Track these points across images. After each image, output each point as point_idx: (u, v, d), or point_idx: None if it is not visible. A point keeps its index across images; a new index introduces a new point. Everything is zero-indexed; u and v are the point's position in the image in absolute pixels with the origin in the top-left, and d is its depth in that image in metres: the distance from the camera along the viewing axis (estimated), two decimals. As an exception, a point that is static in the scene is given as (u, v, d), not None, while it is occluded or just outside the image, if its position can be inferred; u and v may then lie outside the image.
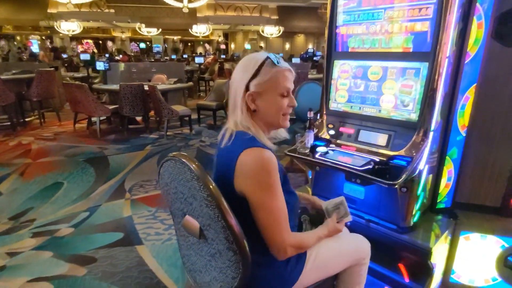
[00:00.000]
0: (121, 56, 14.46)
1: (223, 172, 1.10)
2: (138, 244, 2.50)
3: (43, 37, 20.22)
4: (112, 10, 15.58)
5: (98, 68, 6.68)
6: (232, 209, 1.06)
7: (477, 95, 1.79)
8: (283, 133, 1.33)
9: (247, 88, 1.14)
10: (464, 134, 1.84)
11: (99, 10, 16.02)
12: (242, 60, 1.19)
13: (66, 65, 12.54)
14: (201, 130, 6.04)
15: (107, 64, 6.57)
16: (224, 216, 0.91)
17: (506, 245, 1.82)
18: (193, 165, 0.94)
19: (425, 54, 1.61)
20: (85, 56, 9.97)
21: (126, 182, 3.70)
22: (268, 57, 1.14)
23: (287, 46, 22.63)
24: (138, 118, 6.46)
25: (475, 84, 1.78)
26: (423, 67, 1.63)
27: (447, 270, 1.96)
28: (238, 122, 1.15)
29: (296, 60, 10.83)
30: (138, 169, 4.11)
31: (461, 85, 1.75)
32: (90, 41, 23.23)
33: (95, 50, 21.92)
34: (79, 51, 18.40)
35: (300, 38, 22.58)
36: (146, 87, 5.53)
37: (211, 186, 0.92)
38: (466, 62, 1.72)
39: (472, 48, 1.72)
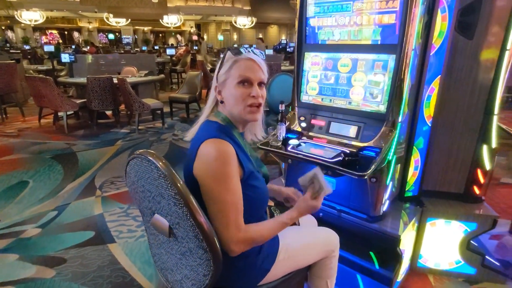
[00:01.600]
0: (88, 47, 13.87)
1: (188, 159, 1.11)
2: (110, 243, 2.43)
3: (3, 27, 19.05)
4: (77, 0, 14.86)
5: (63, 60, 6.36)
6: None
7: (441, 87, 1.85)
8: (258, 134, 1.34)
9: (217, 81, 1.20)
10: (429, 125, 1.90)
11: (63, -1, 15.25)
12: None
13: (29, 57, 11.90)
14: (174, 124, 5.93)
15: (73, 56, 6.28)
16: (193, 214, 0.89)
17: (469, 230, 1.91)
18: (160, 163, 0.91)
19: (393, 46, 1.64)
20: (49, 48, 9.47)
21: (97, 179, 3.57)
22: (228, 48, 1.18)
23: (261, 37, 22.52)
24: (108, 112, 6.25)
25: (439, 76, 1.83)
26: (391, 59, 1.66)
27: (415, 255, 2.04)
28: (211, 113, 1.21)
29: (269, 52, 10.79)
30: (109, 165, 3.98)
31: (427, 77, 1.80)
32: (54, 31, 22.16)
33: (61, 41, 20.94)
34: (43, 42, 17.51)
35: (273, 29, 22.54)
36: (115, 80, 5.34)
37: (179, 184, 0.89)
38: (431, 54, 1.77)
39: (437, 40, 1.77)
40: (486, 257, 1.98)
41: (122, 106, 5.82)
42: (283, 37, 20.81)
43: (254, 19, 18.51)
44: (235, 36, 22.06)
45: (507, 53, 1.72)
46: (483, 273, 1.98)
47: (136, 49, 17.35)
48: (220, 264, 0.96)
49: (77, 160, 4.13)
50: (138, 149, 4.11)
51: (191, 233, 0.93)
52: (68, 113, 5.49)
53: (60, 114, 5.46)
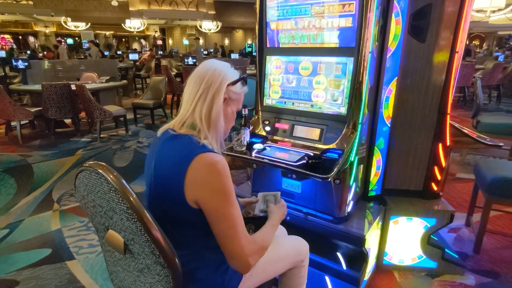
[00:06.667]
0: (45, 53, 13.15)
1: (167, 181, 1.02)
2: (69, 260, 2.28)
3: None
4: (30, 2, 14.08)
5: (18, 66, 5.96)
6: (181, 221, 1.03)
7: (398, 88, 1.91)
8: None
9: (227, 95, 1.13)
10: (389, 125, 1.96)
11: (14, 2, 14.39)
12: (221, 64, 1.13)
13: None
14: (138, 131, 5.74)
15: (26, 62, 5.92)
16: (147, 229, 0.84)
17: (428, 225, 1.98)
18: (110, 176, 0.86)
19: (350, 49, 1.67)
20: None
21: (54, 191, 3.37)
22: (244, 76, 1.18)
23: (226, 41, 22.50)
24: (67, 121, 5.94)
25: (396, 77, 1.89)
26: (349, 62, 1.69)
27: (380, 253, 2.09)
28: (203, 116, 1.06)
29: (235, 56, 10.81)
30: (68, 176, 3.77)
31: (384, 79, 1.85)
32: (7, 36, 20.87)
33: (15, 46, 19.76)
34: (-6, 48, 16.43)
35: (239, 34, 22.59)
36: (73, 87, 5.09)
37: (131, 198, 0.84)
38: (387, 56, 1.82)
39: (392, 43, 1.82)
40: (446, 250, 2.06)
41: (83, 114, 5.55)
42: (249, 41, 20.91)
43: (219, 24, 18.45)
44: (200, 41, 21.86)
45: (456, 56, 1.80)
46: (443, 266, 2.06)
47: (97, 54, 16.68)
48: (180, 280, 0.92)
49: (32, 172, 3.88)
50: (100, 158, 3.88)
51: (147, 249, 0.88)
52: (23, 122, 5.16)
53: (13, 123, 5.12)
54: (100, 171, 0.87)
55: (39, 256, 2.33)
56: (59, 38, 18.63)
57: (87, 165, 0.92)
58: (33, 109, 5.11)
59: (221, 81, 1.08)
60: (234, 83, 1.12)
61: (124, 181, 0.86)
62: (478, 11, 8.84)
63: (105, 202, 0.89)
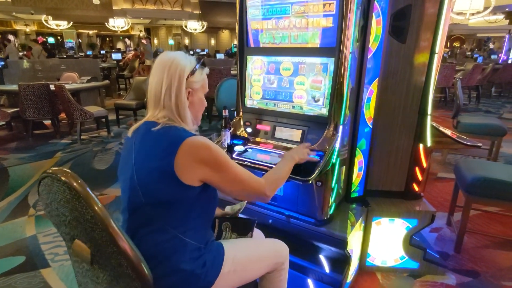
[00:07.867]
0: (25, 52, 12.77)
1: (155, 168, 1.05)
2: (44, 267, 2.19)
3: None
4: (8, 0, 13.66)
5: (-8, 66, 5.80)
6: (172, 202, 1.06)
7: (379, 89, 1.90)
8: None
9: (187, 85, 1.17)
10: (370, 126, 1.95)
11: (-8, 0, 13.93)
12: (174, 55, 1.14)
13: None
14: (121, 132, 5.61)
15: (2, 61, 5.73)
16: (113, 240, 0.79)
17: (410, 226, 1.98)
18: (74, 183, 0.80)
19: (331, 49, 1.65)
20: (-25, 53, 8.59)
21: (30, 196, 3.24)
22: (200, 59, 1.21)
23: (213, 41, 22.39)
24: (47, 122, 5.77)
25: (377, 78, 1.88)
26: (330, 62, 1.67)
27: (363, 255, 2.08)
28: (174, 111, 1.12)
29: (220, 56, 10.74)
30: (46, 180, 3.64)
31: (366, 79, 1.84)
32: (-16, 35, 20.19)
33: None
34: (-29, 47, 15.86)
35: (225, 34, 22.51)
36: (52, 87, 4.94)
37: (96, 207, 0.79)
38: (369, 57, 1.81)
39: (373, 43, 1.81)
40: (427, 250, 2.07)
41: (63, 115, 5.40)
42: (235, 42, 20.84)
43: (205, 24, 18.32)
44: (186, 41, 21.66)
45: (436, 57, 1.80)
46: (425, 266, 2.06)
47: (80, 53, 16.36)
48: (150, 291, 0.87)
49: (8, 176, 3.73)
50: (80, 161, 3.76)
51: (114, 260, 0.82)
52: (-2, 124, 4.99)
53: (-12, 125, 4.94)
54: (63, 178, 0.82)
55: (12, 264, 2.23)
56: (8, 37, 18.09)
57: (50, 171, 0.86)
58: (10, 110, 4.96)
59: (179, 77, 1.11)
60: (192, 73, 1.14)
61: (88, 189, 0.81)
62: (458, 13, 9.03)
63: (68, 211, 0.84)
